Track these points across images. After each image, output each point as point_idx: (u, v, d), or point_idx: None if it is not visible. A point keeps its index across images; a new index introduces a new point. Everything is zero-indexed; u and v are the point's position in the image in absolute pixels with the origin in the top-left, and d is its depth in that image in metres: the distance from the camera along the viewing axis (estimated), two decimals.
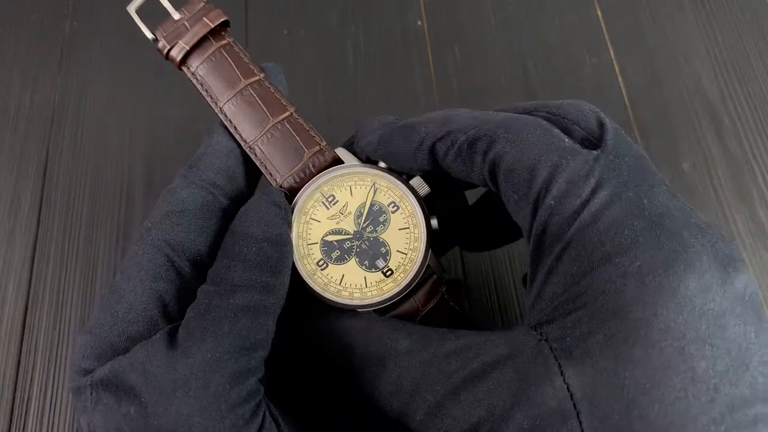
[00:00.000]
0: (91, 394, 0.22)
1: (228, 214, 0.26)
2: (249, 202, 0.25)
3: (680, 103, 0.45)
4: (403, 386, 0.22)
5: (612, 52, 0.47)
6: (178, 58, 0.28)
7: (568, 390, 0.19)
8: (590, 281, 0.20)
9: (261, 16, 0.50)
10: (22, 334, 0.39)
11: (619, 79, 0.46)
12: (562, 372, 0.19)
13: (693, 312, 0.18)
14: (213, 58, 0.28)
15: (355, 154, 0.28)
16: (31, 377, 0.38)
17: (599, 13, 0.49)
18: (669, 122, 0.44)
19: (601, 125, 0.23)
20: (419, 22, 0.49)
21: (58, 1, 0.51)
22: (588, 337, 0.19)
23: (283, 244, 0.24)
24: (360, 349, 0.24)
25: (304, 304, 0.26)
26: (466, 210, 0.31)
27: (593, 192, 0.21)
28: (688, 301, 0.19)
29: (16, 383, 0.38)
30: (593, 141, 0.23)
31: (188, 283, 0.24)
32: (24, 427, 0.37)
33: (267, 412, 0.22)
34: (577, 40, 0.48)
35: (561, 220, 0.21)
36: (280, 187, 0.27)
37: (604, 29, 0.48)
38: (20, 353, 0.39)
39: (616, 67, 0.47)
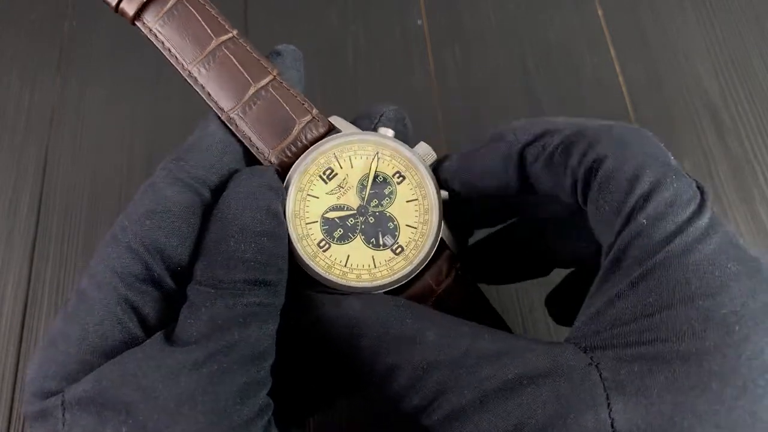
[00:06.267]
0: (64, 415, 0.18)
1: None
2: (236, 182, 0.22)
3: (681, 102, 0.45)
4: (427, 383, 0.20)
5: (613, 51, 0.47)
6: (132, 12, 0.24)
7: (612, 426, 0.17)
8: (665, 318, 0.18)
9: (261, 16, 0.49)
10: (21, 334, 0.39)
11: (620, 78, 0.46)
12: (609, 405, 0.17)
13: None
14: (175, 12, 0.24)
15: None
16: None
17: (600, 12, 0.49)
18: (670, 121, 0.44)
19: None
20: (419, 22, 0.49)
21: (58, 0, 0.50)
22: (648, 375, 0.17)
23: (282, 237, 0.22)
24: (374, 336, 0.21)
25: (298, 289, 0.24)
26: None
27: (690, 220, 0.19)
28: None
29: (15, 383, 0.38)
30: None
31: (167, 295, 0.21)
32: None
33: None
34: (577, 40, 0.48)
35: (648, 243, 0.19)
36: (270, 163, 0.25)
37: (604, 28, 0.48)
38: (19, 353, 0.38)
39: (616, 66, 0.46)
